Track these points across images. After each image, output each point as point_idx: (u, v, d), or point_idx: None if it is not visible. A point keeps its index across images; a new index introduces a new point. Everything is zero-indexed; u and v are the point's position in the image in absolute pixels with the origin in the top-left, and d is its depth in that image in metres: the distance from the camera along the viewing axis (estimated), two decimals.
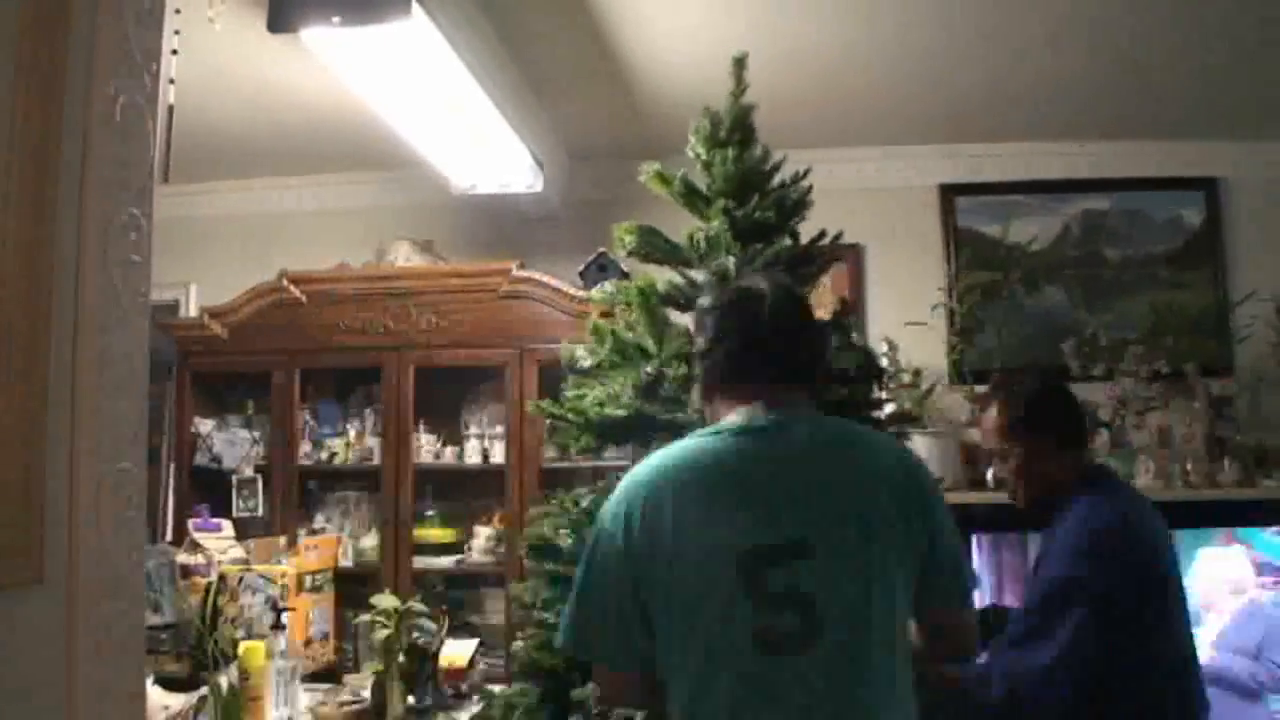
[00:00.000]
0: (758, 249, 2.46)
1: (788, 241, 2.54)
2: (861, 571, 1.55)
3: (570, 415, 2.55)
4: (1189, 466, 3.79)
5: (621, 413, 2.48)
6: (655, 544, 1.57)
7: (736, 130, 2.57)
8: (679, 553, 1.56)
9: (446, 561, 3.92)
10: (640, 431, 2.50)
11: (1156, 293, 4.23)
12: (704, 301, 1.82)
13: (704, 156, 2.59)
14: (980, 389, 3.92)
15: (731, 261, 2.52)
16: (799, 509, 1.57)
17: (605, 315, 2.89)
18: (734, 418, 1.67)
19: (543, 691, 2.44)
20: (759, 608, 1.52)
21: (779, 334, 1.70)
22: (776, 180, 2.61)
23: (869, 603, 1.54)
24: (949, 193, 4.39)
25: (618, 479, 2.47)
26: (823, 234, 2.64)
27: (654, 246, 2.64)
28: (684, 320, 2.68)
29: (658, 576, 1.57)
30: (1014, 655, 2.09)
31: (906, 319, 4.01)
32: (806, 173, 2.61)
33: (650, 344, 2.53)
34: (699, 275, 2.62)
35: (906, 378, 3.91)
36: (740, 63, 2.58)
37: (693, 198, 2.60)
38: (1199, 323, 4.14)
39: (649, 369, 2.49)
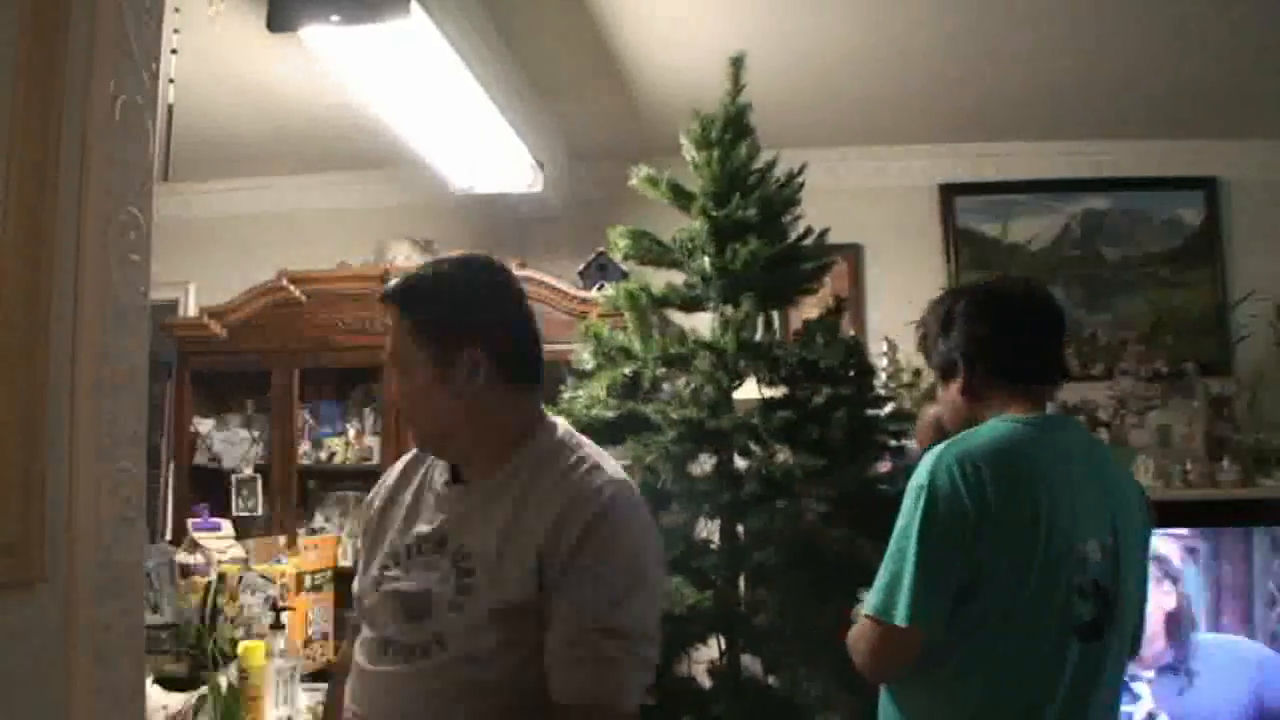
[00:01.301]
0: (735, 249, 2.47)
1: (772, 240, 2.55)
2: (1131, 565, 1.73)
3: (563, 417, 2.56)
4: (1188, 466, 3.79)
5: (609, 414, 2.49)
6: (996, 521, 1.61)
7: (729, 130, 2.57)
8: (1017, 535, 1.62)
9: None
10: (630, 431, 2.50)
11: (1156, 292, 4.23)
12: (986, 289, 1.94)
13: (695, 158, 2.60)
14: None
15: (708, 262, 2.53)
16: (1095, 506, 1.69)
17: (605, 317, 2.90)
18: (1014, 415, 1.75)
19: None
20: (1080, 596, 1.65)
21: (1058, 334, 1.85)
22: (768, 179, 2.61)
23: (1131, 594, 1.74)
24: (949, 192, 4.39)
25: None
26: (808, 232, 2.63)
27: (645, 249, 2.65)
28: (684, 321, 2.69)
29: (987, 553, 1.61)
30: None
31: (906, 319, 3.98)
32: (801, 170, 2.61)
33: (637, 345, 2.53)
34: (689, 277, 2.63)
35: (906, 377, 3.91)
36: (737, 62, 2.58)
37: (682, 199, 2.61)
38: (1198, 322, 4.14)
39: (627, 370, 2.50)
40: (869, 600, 1.67)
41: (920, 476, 1.66)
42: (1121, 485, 1.79)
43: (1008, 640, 1.62)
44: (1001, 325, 1.81)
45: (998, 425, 1.72)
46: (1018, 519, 1.61)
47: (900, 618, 1.59)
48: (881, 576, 1.65)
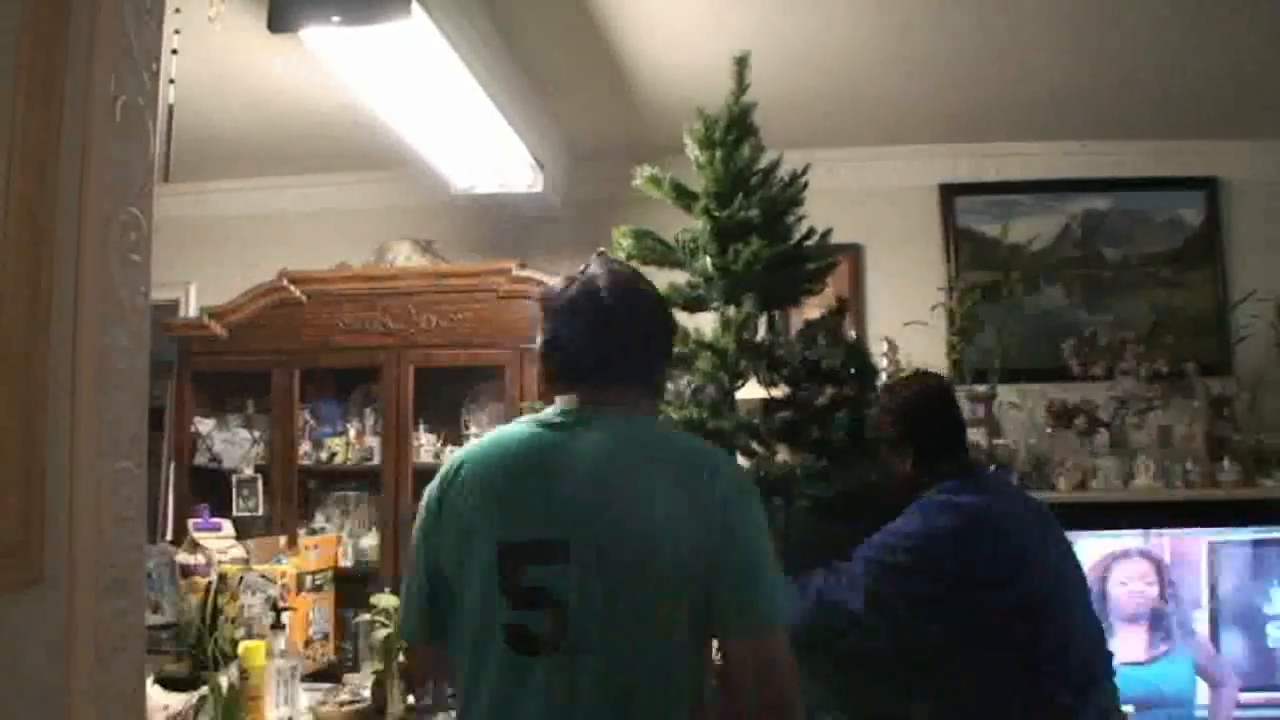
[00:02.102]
0: (737, 249, 2.47)
1: (774, 241, 2.54)
2: (621, 577, 1.49)
3: None
4: (1189, 466, 3.79)
5: None
6: (450, 525, 1.60)
7: (733, 130, 2.57)
8: (462, 538, 1.57)
9: None
10: None
11: (1156, 292, 4.23)
12: (544, 293, 1.72)
13: (698, 157, 2.60)
14: (981, 388, 3.93)
15: (709, 263, 2.53)
16: (565, 508, 1.52)
17: None
18: (548, 410, 1.65)
19: None
20: (514, 605, 1.50)
21: (611, 330, 1.64)
22: (772, 179, 2.61)
23: (628, 609, 1.48)
24: (949, 192, 4.39)
25: None
26: (810, 233, 2.63)
27: (648, 249, 2.65)
28: (689, 321, 2.69)
29: (446, 559, 1.60)
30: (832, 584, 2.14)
31: (906, 319, 4.02)
32: (804, 171, 2.61)
33: None
34: (692, 277, 2.63)
35: None
36: (742, 62, 2.58)
37: (685, 199, 2.61)
38: (1199, 322, 4.14)
39: None
40: None
41: None
42: (639, 485, 1.55)
43: (469, 649, 1.62)
44: (549, 326, 1.68)
45: (500, 429, 1.70)
46: (456, 526, 1.63)
47: None
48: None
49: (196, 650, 2.51)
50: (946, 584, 2.08)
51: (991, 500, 2.24)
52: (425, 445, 3.99)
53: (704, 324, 2.63)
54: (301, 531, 3.85)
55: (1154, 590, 3.64)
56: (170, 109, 2.33)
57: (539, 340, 1.68)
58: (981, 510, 2.18)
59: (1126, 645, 3.58)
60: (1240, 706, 3.57)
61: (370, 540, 3.95)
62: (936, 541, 2.12)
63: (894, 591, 2.09)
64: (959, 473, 2.29)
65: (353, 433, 4.05)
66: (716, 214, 2.52)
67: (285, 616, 2.67)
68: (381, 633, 2.74)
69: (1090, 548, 3.48)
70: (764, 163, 2.61)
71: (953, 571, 2.09)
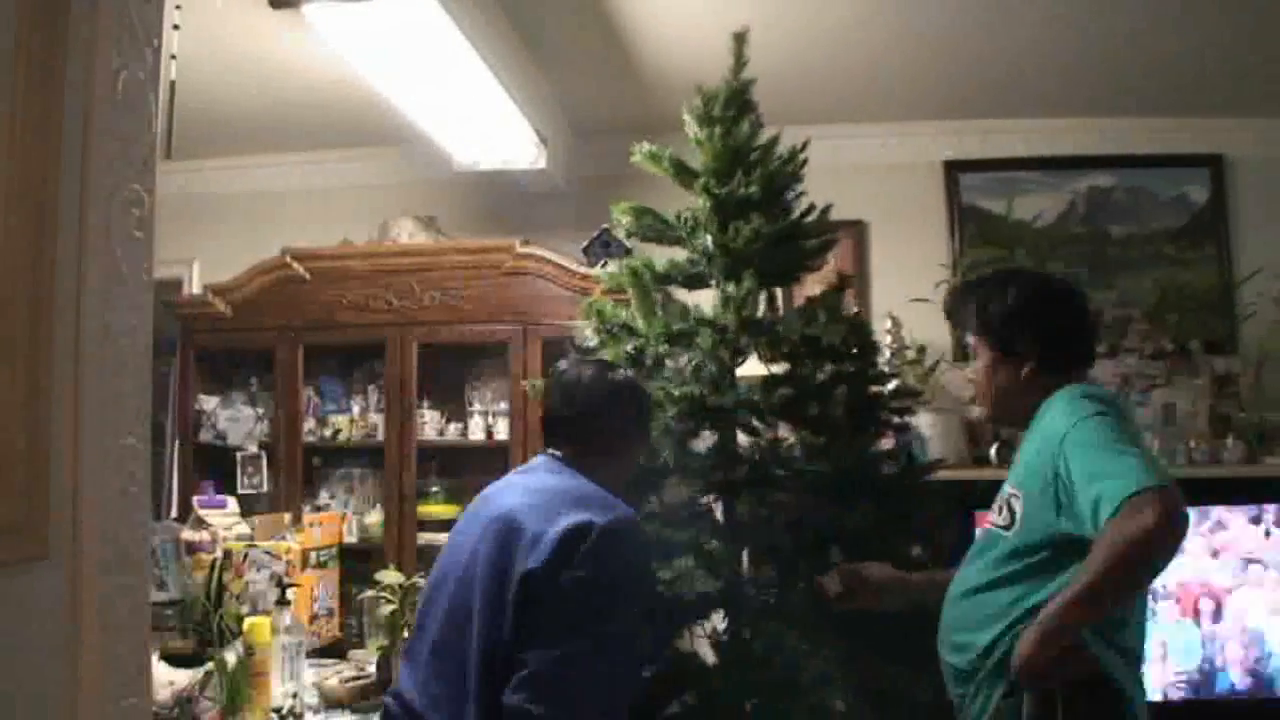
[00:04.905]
0: (738, 227, 2.46)
1: (775, 217, 2.54)
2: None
3: None
4: (1193, 444, 3.78)
5: None
6: None
7: (732, 106, 2.56)
8: None
9: None
10: None
11: (1161, 270, 4.22)
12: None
13: (698, 134, 2.59)
14: None
15: (710, 240, 2.53)
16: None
17: (608, 293, 2.90)
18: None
19: None
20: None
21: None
22: (771, 155, 2.60)
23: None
24: (953, 169, 4.38)
25: None
26: (810, 209, 2.62)
27: (648, 225, 2.65)
28: (688, 297, 2.69)
29: None
30: None
31: (910, 296, 4.00)
32: (804, 147, 2.60)
33: (640, 323, 2.53)
34: (692, 254, 2.62)
35: (911, 354, 3.90)
36: (740, 38, 2.56)
37: (684, 175, 2.60)
38: (1203, 300, 4.13)
39: (629, 348, 2.50)
40: (1125, 489, 1.71)
41: (1089, 407, 1.84)
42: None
43: None
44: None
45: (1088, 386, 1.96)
46: None
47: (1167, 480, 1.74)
48: (1119, 466, 1.74)
49: (202, 627, 2.52)
50: None
51: None
52: (429, 422, 3.99)
53: (704, 301, 2.63)
54: (306, 508, 3.86)
55: None
56: (172, 85, 2.32)
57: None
58: None
59: None
60: None
61: (374, 517, 3.96)
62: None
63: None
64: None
65: (356, 410, 4.05)
66: (716, 191, 2.51)
67: (290, 593, 2.68)
68: (386, 609, 2.75)
69: None
70: (763, 139, 2.60)
71: None
